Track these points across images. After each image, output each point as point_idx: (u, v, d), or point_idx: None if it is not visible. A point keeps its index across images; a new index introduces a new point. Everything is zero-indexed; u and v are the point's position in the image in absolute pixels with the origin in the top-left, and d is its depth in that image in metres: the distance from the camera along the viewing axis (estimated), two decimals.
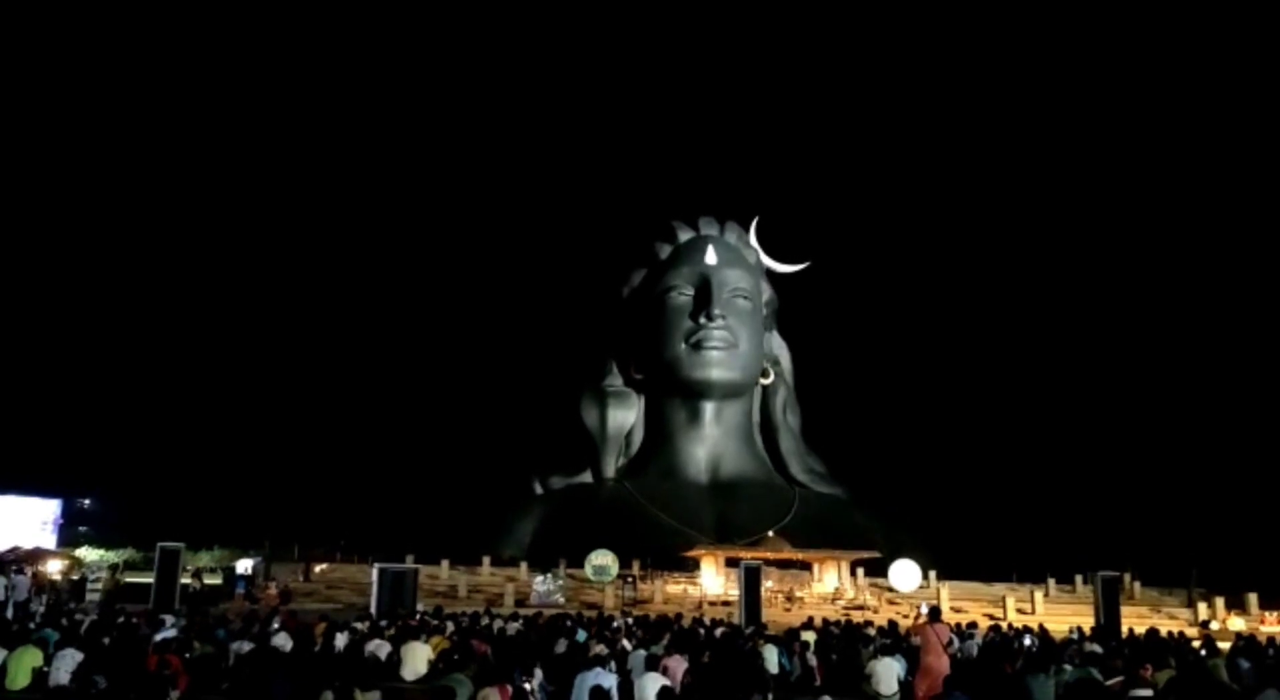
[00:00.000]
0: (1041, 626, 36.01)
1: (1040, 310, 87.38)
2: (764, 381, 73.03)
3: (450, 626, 30.23)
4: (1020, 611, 51.14)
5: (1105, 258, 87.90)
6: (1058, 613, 50.95)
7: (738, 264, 72.73)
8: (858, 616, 45.45)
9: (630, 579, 53.38)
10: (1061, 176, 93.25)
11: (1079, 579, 60.51)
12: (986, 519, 74.07)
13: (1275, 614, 50.13)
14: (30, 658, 22.10)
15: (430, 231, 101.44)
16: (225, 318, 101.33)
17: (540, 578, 51.77)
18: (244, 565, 56.23)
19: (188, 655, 22.53)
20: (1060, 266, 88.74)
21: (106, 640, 24.22)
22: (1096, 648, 28.68)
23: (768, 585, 51.57)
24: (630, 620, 36.71)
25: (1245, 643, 30.53)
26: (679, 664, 22.42)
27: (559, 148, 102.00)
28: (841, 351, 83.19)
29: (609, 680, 19.59)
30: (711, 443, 70.72)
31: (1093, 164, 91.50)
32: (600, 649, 24.50)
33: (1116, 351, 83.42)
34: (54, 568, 56.60)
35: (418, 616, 34.58)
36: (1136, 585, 59.62)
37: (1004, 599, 52.85)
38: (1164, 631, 34.22)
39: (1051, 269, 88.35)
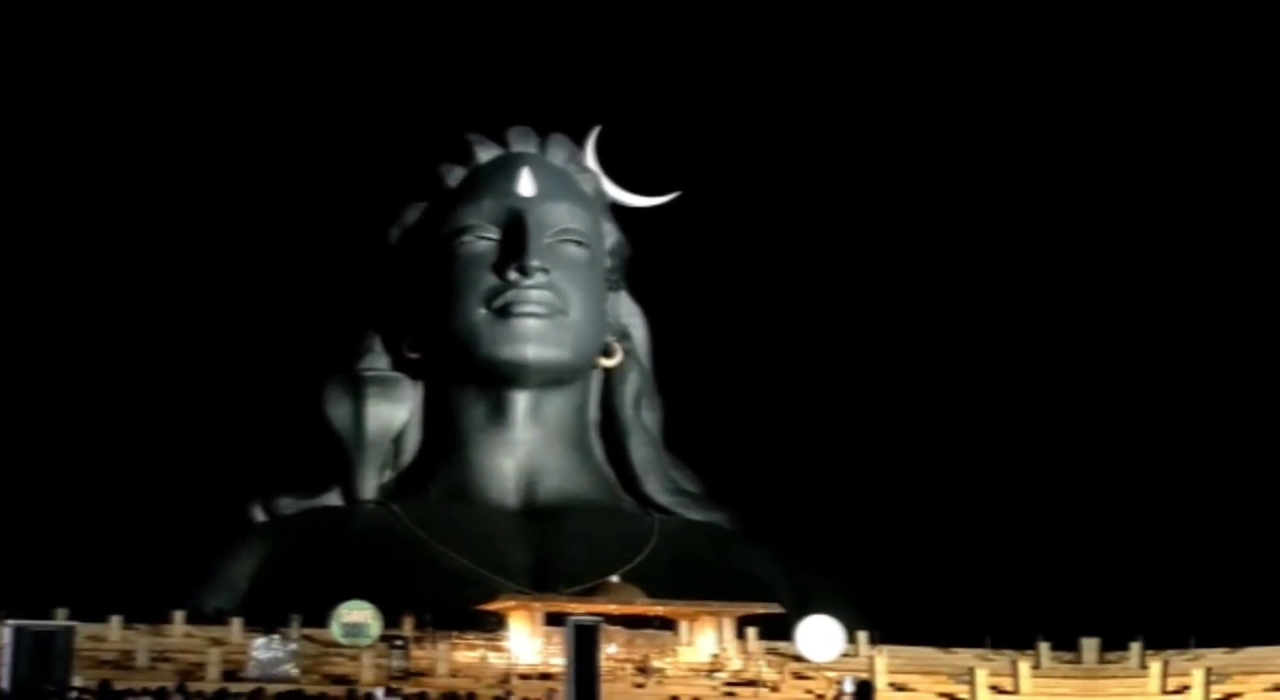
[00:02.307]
0: None
1: (1017, 257, 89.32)
2: (606, 363, 73.62)
3: None
4: (997, 689, 51.87)
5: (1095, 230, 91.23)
6: (1053, 690, 52.15)
7: (566, 194, 73.19)
8: (746, 695, 46.98)
9: (400, 643, 52.91)
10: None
11: (1085, 643, 60.05)
12: (943, 558, 75.00)
13: None
14: None
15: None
16: None
17: (262, 640, 51.34)
18: None
19: None
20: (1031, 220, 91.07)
21: None
22: None
23: (610, 651, 51.92)
24: None
25: None
26: None
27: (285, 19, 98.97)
28: (725, 321, 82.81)
29: None
30: (525, 450, 70.84)
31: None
32: None
33: (1143, 327, 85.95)
34: None
35: (73, 696, 35.52)
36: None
37: (972, 671, 52.94)
38: None
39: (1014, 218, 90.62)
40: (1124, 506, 78.16)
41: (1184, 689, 50.88)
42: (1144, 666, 54.88)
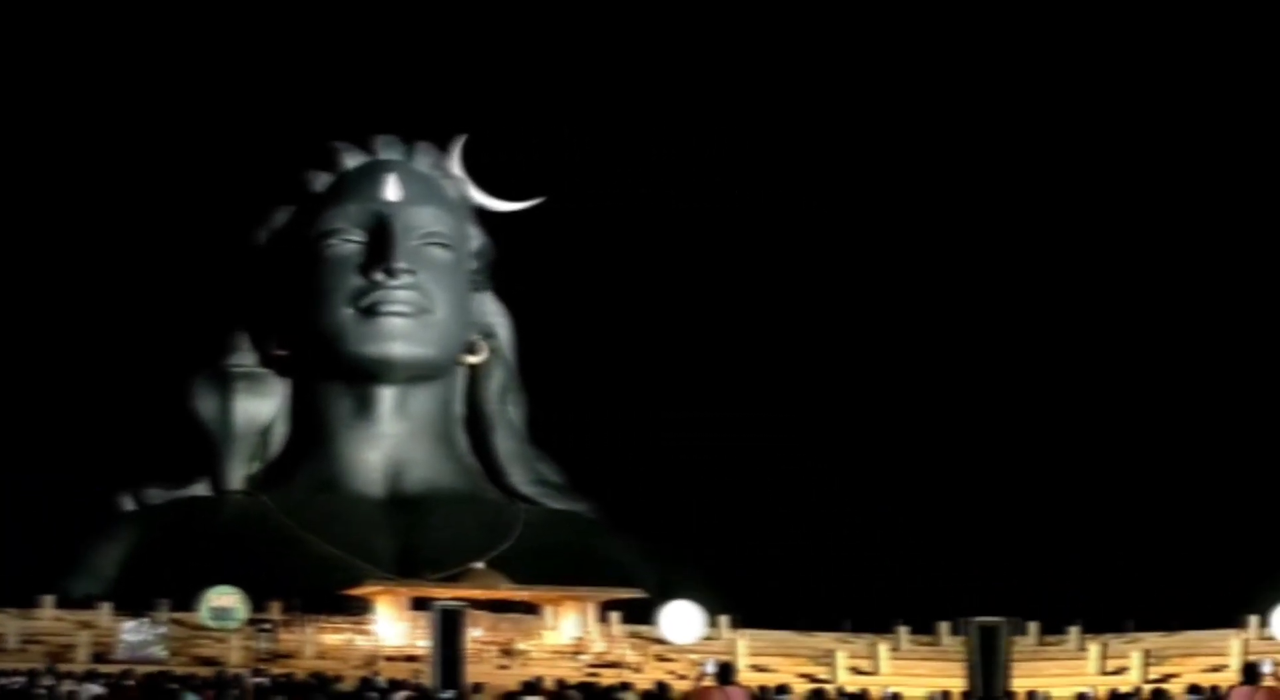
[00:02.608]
0: (894, 693, 39.14)
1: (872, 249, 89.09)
2: (472, 360, 73.87)
3: None
4: (857, 671, 52.65)
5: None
6: (912, 672, 52.91)
7: (431, 200, 73.53)
8: (609, 676, 46.48)
9: (268, 626, 53.48)
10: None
11: (944, 627, 60.93)
12: (805, 545, 75.35)
13: None
14: None
15: None
16: None
17: (132, 624, 51.78)
18: None
19: None
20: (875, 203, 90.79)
21: None
22: None
23: (476, 634, 52.00)
24: (267, 681, 38.51)
25: None
26: None
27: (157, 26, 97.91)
28: (590, 321, 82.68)
29: None
30: (392, 443, 71.11)
31: None
32: None
33: (1071, 305, 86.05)
34: None
35: None
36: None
37: (832, 654, 54.03)
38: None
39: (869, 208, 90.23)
40: (1059, 492, 78.30)
41: (1122, 670, 51.70)
42: (1082, 649, 55.67)
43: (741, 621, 60.17)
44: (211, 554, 61.32)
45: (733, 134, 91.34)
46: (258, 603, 54.45)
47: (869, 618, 62.41)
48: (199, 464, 70.85)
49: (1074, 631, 58.66)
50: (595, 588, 58.71)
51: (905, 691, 40.88)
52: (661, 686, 34.95)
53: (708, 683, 27.98)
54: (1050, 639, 58.63)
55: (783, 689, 37.92)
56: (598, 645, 56.20)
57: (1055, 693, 42.83)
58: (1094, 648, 53.98)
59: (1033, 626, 58.97)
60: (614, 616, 58.68)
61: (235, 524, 66.85)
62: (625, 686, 39.46)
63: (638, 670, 51.13)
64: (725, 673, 27.15)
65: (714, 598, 59.92)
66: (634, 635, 57.38)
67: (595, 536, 69.73)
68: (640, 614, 58.12)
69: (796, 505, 79.75)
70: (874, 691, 42.24)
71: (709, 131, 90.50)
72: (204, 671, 44.47)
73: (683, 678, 46.21)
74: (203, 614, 52.83)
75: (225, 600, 52.92)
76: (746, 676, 44.20)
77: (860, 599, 65.13)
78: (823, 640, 59.59)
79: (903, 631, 60.51)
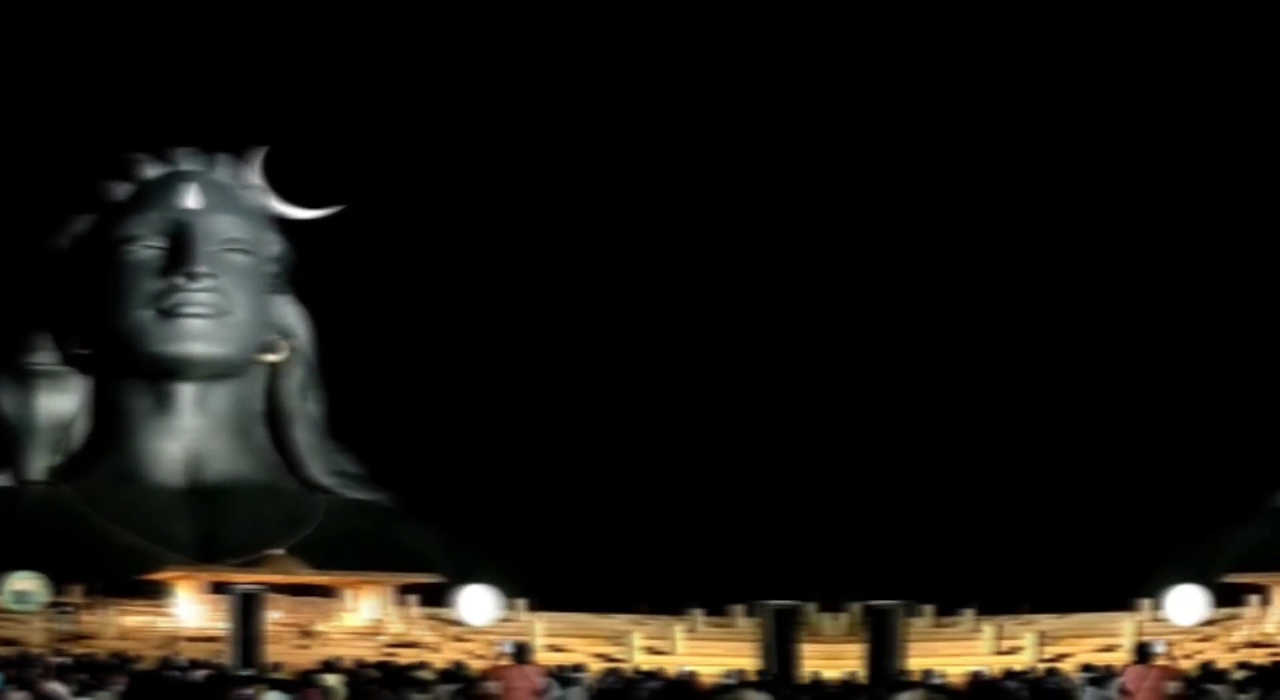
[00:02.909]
0: (690, 671, 41.04)
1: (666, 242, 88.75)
2: (271, 358, 73.99)
3: None
4: (654, 651, 54.34)
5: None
6: (708, 652, 54.28)
7: (230, 208, 73.66)
8: (407, 656, 47.88)
9: (69, 609, 53.98)
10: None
11: (739, 609, 60.83)
12: (602, 530, 75.99)
13: None
14: None
15: None
16: None
17: None
18: None
19: None
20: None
21: None
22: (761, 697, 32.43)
23: (275, 617, 52.80)
24: (69, 660, 39.32)
25: None
26: None
27: None
28: (388, 323, 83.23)
29: None
30: (191, 437, 71.11)
31: None
32: (21, 698, 26.74)
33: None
34: None
35: None
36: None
37: (628, 635, 55.55)
38: None
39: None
40: (954, 480, 78.28)
41: (1016, 650, 53.53)
42: (977, 630, 57.05)
43: (539, 604, 60.96)
44: (13, 541, 60.78)
45: (734, 134, 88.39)
46: (60, 586, 54.53)
47: (667, 601, 62.89)
48: (1, 456, 70.62)
49: (968, 613, 59.66)
50: (393, 572, 59.38)
51: (701, 670, 42.34)
52: (458, 665, 36.05)
53: (504, 662, 28.82)
54: (945, 620, 59.66)
55: (578, 668, 39.39)
56: (395, 626, 56.80)
57: (950, 671, 44.85)
58: (988, 629, 55.85)
59: (928, 609, 59.92)
60: (411, 599, 59.13)
61: (36, 512, 66.57)
62: (422, 665, 40.58)
63: (435, 650, 52.13)
64: (521, 652, 28.14)
65: (511, 582, 61.13)
66: (431, 617, 57.97)
67: (393, 524, 70.29)
68: (437, 597, 58.84)
69: (594, 491, 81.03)
70: (670, 670, 43.79)
71: (713, 130, 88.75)
72: (5, 651, 44.90)
73: (480, 657, 47.04)
74: (3, 597, 52.92)
75: (25, 584, 53.16)
76: (543, 657, 45.27)
77: (658, 583, 66.12)
78: (618, 622, 60.27)
79: (698, 613, 61.16)
